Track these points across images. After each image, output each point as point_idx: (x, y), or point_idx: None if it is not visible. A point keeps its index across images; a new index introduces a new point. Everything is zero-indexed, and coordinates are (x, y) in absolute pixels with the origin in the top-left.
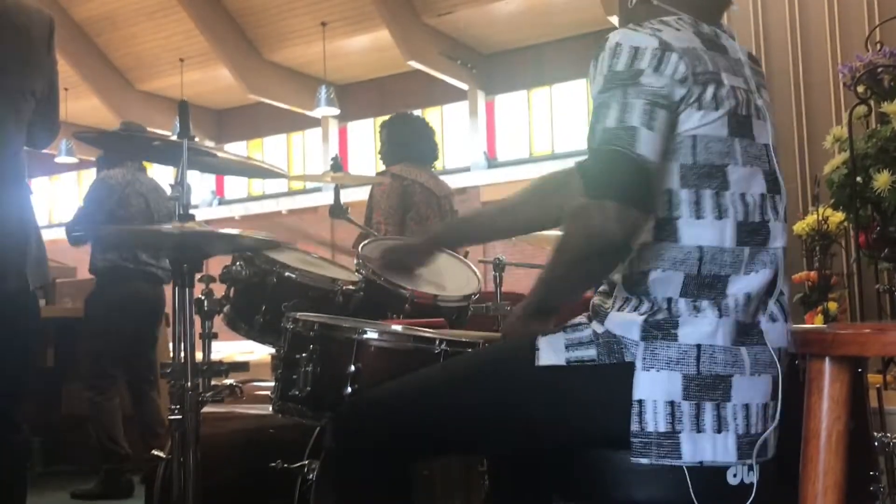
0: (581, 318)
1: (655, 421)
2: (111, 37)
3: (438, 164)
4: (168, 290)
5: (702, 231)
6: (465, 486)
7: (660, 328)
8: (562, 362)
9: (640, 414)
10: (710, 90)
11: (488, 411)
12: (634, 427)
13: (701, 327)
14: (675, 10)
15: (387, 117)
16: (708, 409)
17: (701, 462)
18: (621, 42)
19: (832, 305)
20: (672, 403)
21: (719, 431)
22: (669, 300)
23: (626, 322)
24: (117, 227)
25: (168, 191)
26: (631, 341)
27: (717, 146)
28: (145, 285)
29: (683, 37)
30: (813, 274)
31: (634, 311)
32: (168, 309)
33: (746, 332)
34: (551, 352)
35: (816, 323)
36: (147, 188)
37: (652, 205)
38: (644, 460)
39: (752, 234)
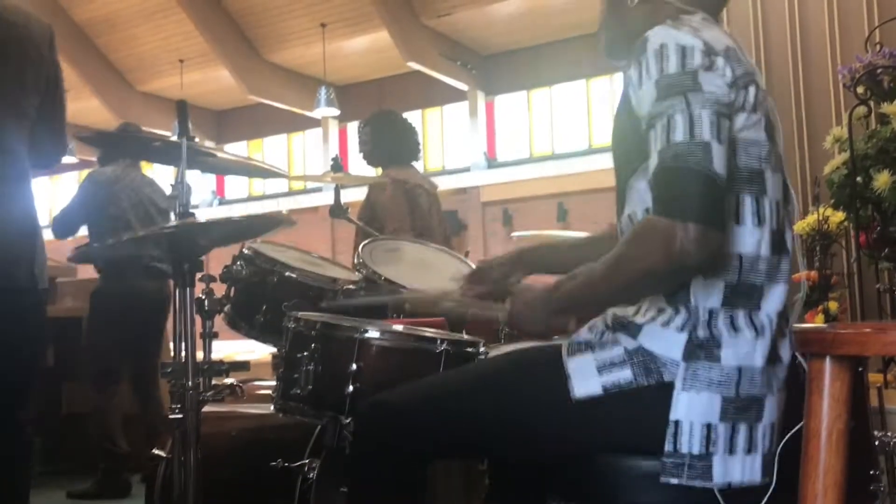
0: (607, 332)
1: (690, 443)
2: (111, 38)
3: (438, 164)
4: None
5: (741, 238)
6: (465, 486)
7: (703, 348)
8: (598, 391)
9: (676, 435)
10: (751, 92)
11: (517, 430)
12: (668, 447)
13: (741, 348)
14: (685, 7)
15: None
16: (742, 430)
17: (730, 484)
18: (666, 42)
19: (832, 305)
20: (709, 426)
21: (749, 452)
22: (710, 311)
23: (665, 339)
24: (111, 245)
25: (168, 190)
26: (671, 360)
27: (755, 150)
28: (151, 282)
29: (719, 36)
30: (813, 273)
31: (670, 323)
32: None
33: (776, 351)
34: (584, 379)
35: (817, 322)
36: (140, 183)
37: (727, 224)
38: (674, 480)
39: (780, 243)
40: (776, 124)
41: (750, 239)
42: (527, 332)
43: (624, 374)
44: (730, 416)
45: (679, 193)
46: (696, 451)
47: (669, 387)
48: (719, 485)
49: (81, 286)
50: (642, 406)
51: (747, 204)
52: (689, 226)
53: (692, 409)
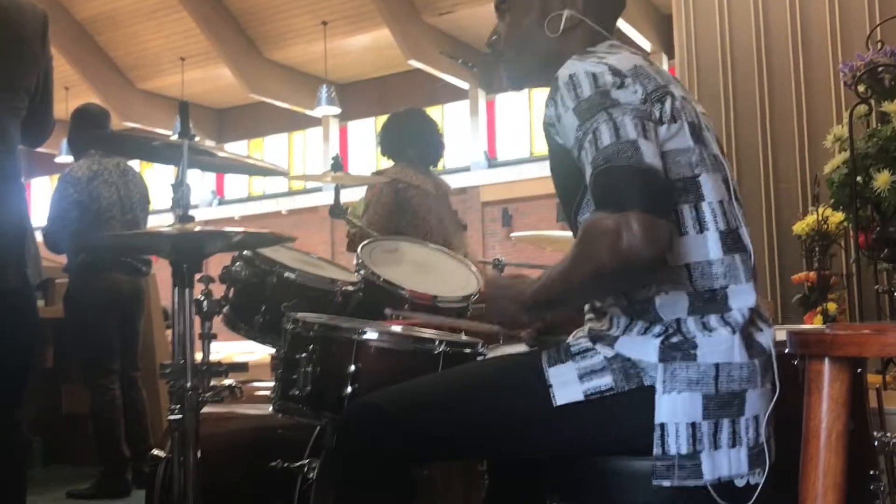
0: (584, 341)
1: (678, 444)
2: (112, 36)
3: (439, 163)
4: (162, 285)
5: (685, 248)
6: (465, 486)
7: (678, 349)
8: (580, 397)
9: (663, 437)
10: (667, 104)
11: (500, 434)
12: (657, 451)
13: (718, 346)
14: (598, 29)
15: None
16: (725, 425)
17: (719, 478)
18: (574, 72)
19: (831, 306)
20: (693, 425)
21: (734, 446)
22: (678, 321)
23: (641, 344)
24: (111, 235)
25: (168, 190)
26: (649, 364)
27: (684, 158)
28: (123, 277)
29: (626, 58)
30: (812, 274)
31: (646, 332)
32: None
33: (753, 345)
34: (565, 387)
35: (816, 323)
36: (115, 175)
37: (672, 214)
38: (666, 482)
39: (734, 241)
40: (705, 125)
41: (695, 247)
42: (500, 320)
43: (604, 381)
44: (712, 413)
45: (616, 189)
46: (683, 451)
47: (650, 391)
48: (709, 481)
49: None
50: (624, 410)
51: (686, 214)
52: (631, 216)
53: (675, 410)
